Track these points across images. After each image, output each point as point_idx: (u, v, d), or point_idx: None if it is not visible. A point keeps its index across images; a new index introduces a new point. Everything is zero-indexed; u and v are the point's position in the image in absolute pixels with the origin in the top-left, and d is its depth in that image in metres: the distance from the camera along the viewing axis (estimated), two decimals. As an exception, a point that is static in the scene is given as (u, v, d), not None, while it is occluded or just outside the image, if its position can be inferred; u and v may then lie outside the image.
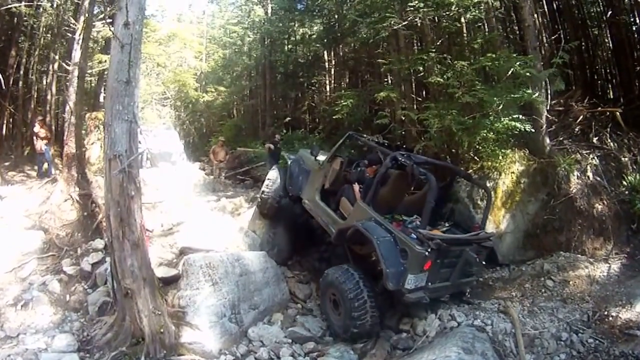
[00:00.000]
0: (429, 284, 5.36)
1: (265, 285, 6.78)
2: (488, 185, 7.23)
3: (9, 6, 8.43)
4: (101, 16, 9.01)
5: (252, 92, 18.69)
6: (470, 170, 7.62)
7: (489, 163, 7.39)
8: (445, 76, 7.01)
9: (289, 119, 16.06)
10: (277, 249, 8.24)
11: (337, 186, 6.94)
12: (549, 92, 7.11)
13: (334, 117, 9.32)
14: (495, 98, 6.74)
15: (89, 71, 8.20)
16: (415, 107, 7.83)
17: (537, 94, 6.67)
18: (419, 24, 7.95)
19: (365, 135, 7.61)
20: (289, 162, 8.42)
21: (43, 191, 7.92)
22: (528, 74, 6.55)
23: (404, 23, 7.21)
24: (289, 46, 16.33)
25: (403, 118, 7.69)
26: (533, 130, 6.94)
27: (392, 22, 7.21)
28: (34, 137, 9.44)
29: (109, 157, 5.08)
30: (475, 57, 7.35)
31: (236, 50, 18.45)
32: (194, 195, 10.98)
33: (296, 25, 15.34)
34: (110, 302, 5.77)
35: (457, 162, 7.81)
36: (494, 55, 6.76)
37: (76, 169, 7.81)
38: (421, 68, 7.42)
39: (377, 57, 7.84)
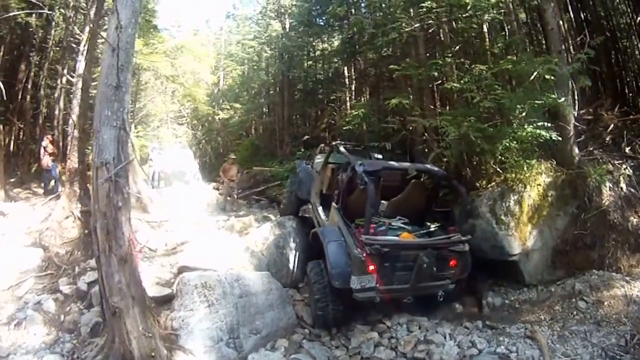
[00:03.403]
0: (379, 285, 5.86)
1: (268, 308, 6.52)
2: (512, 198, 6.96)
3: (14, 14, 8.77)
4: (106, 26, 9.31)
5: (270, 110, 18.94)
6: (493, 183, 7.33)
7: (513, 175, 7.05)
8: (462, 81, 6.79)
9: (307, 137, 16.09)
10: (286, 270, 8.08)
11: (332, 191, 7.53)
12: (576, 97, 6.78)
13: (344, 128, 9.26)
14: (518, 105, 6.49)
15: (94, 83, 8.40)
16: (429, 114, 7.60)
17: (563, 99, 6.33)
18: (434, 28, 7.82)
19: (349, 144, 8.20)
20: (299, 169, 9.49)
21: (46, 208, 8.14)
22: (552, 76, 6.23)
23: (415, 25, 7.09)
24: (309, 62, 16.47)
25: (411, 127, 7.47)
26: (560, 138, 6.61)
27: (404, 25, 7.10)
28: (42, 153, 9.77)
29: (96, 165, 5.01)
30: (496, 61, 7.11)
31: (254, 66, 18.79)
32: (204, 215, 11.06)
33: (315, 40, 15.50)
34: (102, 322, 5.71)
35: (479, 175, 7.54)
36: (514, 58, 6.52)
37: (79, 185, 7.95)
38: (436, 74, 7.23)
39: (396, 69, 7.67)
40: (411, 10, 7.49)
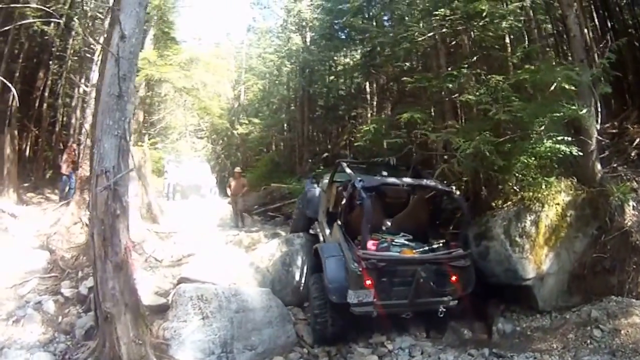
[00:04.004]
0: (377, 300, 6.01)
1: (267, 325, 6.61)
2: (529, 218, 6.81)
3: (27, 22, 9.39)
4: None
5: (291, 126, 19.24)
6: (510, 202, 7.21)
7: (530, 193, 6.91)
8: (477, 93, 6.77)
9: (327, 154, 16.24)
10: (291, 288, 8.14)
11: (337, 209, 7.73)
12: (599, 109, 6.59)
13: (355, 144, 9.37)
14: (537, 118, 6.39)
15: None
16: (440, 128, 7.58)
17: (584, 110, 6.19)
18: (453, 38, 7.85)
19: (354, 161, 8.66)
20: (307, 188, 9.74)
21: (57, 213, 8.61)
22: (573, 86, 6.12)
23: (429, 34, 7.15)
24: (330, 77, 16.67)
25: (418, 141, 7.47)
26: (581, 153, 6.44)
27: (417, 34, 7.18)
28: (63, 160, 10.35)
29: (96, 173, 5.24)
30: (515, 72, 7.04)
31: (274, 81, 19.21)
32: (214, 228, 11.34)
33: (337, 54, 15.71)
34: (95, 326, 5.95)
35: (496, 194, 7.43)
36: (532, 67, 6.45)
37: (89, 193, 8.30)
38: (450, 85, 7.23)
39: (409, 81, 7.74)
40: (426, 20, 7.53)
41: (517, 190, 7.02)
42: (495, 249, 6.95)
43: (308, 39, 16.82)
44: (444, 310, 6.39)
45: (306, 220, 9.55)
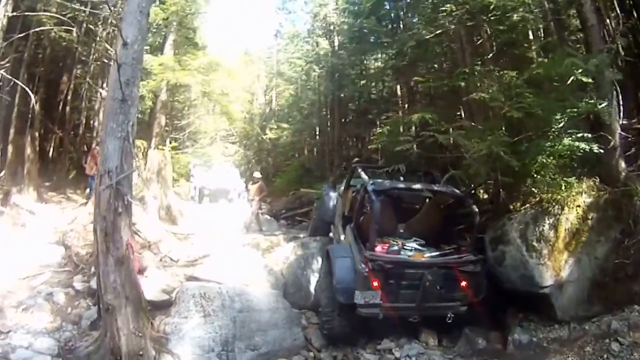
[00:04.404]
0: (384, 302, 6.12)
1: (272, 327, 6.72)
2: (547, 222, 6.57)
3: (42, 28, 10.09)
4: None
5: (321, 131, 19.37)
6: (527, 205, 6.99)
7: (549, 195, 6.67)
8: (490, 91, 6.64)
9: (357, 159, 16.25)
10: (305, 291, 8.18)
11: (352, 213, 7.73)
12: (620, 103, 6.27)
13: (369, 147, 9.39)
14: (553, 115, 6.19)
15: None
16: (454, 128, 7.45)
17: (604, 104, 5.94)
18: (469, 36, 7.76)
19: (372, 165, 9.02)
20: (324, 193, 10.03)
21: (76, 212, 9.12)
22: (591, 79, 5.89)
23: (437, 32, 7.10)
24: (362, 81, 16.66)
25: (426, 143, 7.36)
26: (602, 151, 6.17)
27: (424, 31, 7.14)
28: (88, 161, 10.98)
29: (100, 172, 5.64)
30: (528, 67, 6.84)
31: (304, 85, 19.44)
32: (235, 231, 11.59)
33: (368, 58, 15.71)
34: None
35: (514, 196, 7.24)
36: (546, 60, 6.26)
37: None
38: (462, 84, 7.12)
39: (420, 80, 7.69)
40: (436, 17, 7.47)
41: (536, 192, 6.77)
42: (511, 253, 6.75)
43: (336, 43, 17.00)
44: (452, 316, 6.38)
45: (324, 225, 9.75)
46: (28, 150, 9.44)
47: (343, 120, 17.51)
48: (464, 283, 6.31)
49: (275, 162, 21.32)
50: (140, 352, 5.33)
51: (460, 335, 6.91)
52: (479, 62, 6.98)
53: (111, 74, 5.78)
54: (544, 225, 6.56)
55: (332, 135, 18.25)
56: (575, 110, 6.12)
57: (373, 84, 16.73)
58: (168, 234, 9.54)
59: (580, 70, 6.02)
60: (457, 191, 7.04)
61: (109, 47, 9.62)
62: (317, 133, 20.02)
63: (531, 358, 5.99)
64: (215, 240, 10.17)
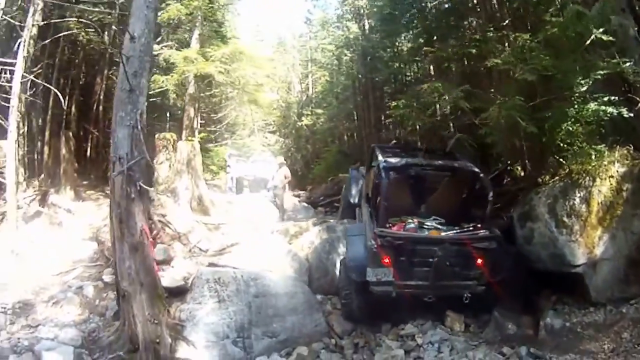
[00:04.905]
0: (396, 279, 6.14)
1: (291, 312, 6.79)
2: (578, 195, 6.16)
3: (67, 33, 10.76)
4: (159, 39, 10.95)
5: (358, 115, 19.26)
6: (557, 178, 6.59)
7: (579, 166, 6.24)
8: (502, 56, 6.30)
9: (394, 141, 15.99)
10: (331, 276, 8.20)
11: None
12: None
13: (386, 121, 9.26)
14: (574, 77, 5.78)
15: (151, 92, 9.92)
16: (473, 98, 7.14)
17: (629, 64, 5.46)
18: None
19: (391, 145, 8.96)
20: (350, 175, 10.30)
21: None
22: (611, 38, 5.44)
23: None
24: (396, 63, 16.39)
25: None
26: (632, 115, 5.71)
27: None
28: None
29: (112, 160, 5.94)
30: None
31: (338, 71, 19.37)
32: (267, 219, 11.87)
33: (398, 39, 15.33)
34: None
35: (541, 168, 6.86)
36: (561, 19, 5.82)
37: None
38: (474, 51, 6.80)
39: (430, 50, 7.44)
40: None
41: (564, 163, 6.36)
42: (539, 230, 6.47)
43: (367, 27, 16.81)
44: (469, 296, 6.27)
45: (351, 208, 9.82)
46: (63, 151, 10.23)
47: (379, 103, 17.24)
48: (479, 261, 6.18)
49: (314, 149, 21.50)
50: (157, 340, 5.61)
51: (490, 320, 6.66)
52: (491, 29, 6.60)
53: (121, 66, 6.07)
54: (574, 199, 6.18)
55: (368, 118, 18.18)
56: (599, 72, 5.68)
57: (407, 65, 16.32)
58: (199, 225, 9.88)
59: (601, 30, 5.58)
60: (471, 166, 6.83)
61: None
62: (355, 117, 19.99)
63: (564, 345, 5.65)
64: (246, 229, 10.37)
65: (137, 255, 5.81)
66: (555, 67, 5.72)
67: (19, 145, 9.76)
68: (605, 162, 6.06)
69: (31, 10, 9.79)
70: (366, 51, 16.36)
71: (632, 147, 6.06)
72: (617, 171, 6.02)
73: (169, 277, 7.01)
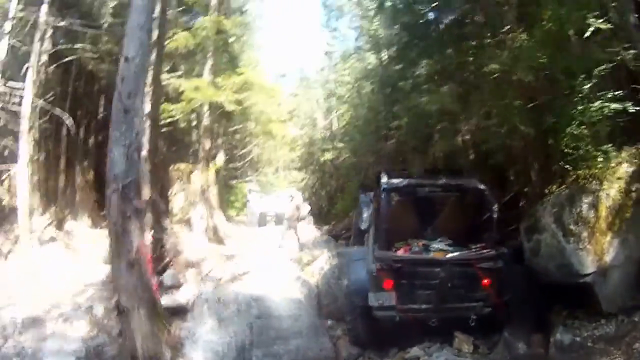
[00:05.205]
0: (398, 304, 6.00)
1: (294, 335, 6.80)
2: (585, 201, 5.88)
3: (69, 58, 11.09)
4: (167, 68, 11.47)
5: (380, 148, 19.30)
6: (564, 185, 6.35)
7: (585, 170, 5.98)
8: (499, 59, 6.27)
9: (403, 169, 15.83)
10: (340, 301, 7.96)
11: None
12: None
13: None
14: (578, 75, 5.65)
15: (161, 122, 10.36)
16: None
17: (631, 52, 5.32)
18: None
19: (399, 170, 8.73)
20: (360, 201, 9.76)
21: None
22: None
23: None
24: (413, 93, 16.24)
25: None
26: (638, 109, 5.46)
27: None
28: None
29: (108, 179, 6.10)
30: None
31: (358, 104, 19.57)
32: (280, 249, 12.06)
33: (418, 68, 15.44)
34: (122, 323, 6.79)
35: (547, 178, 6.63)
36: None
37: (151, 215, 9.66)
38: (471, 59, 6.80)
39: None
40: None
41: (570, 169, 6.14)
42: (546, 241, 6.14)
43: (385, 57, 17.03)
44: (475, 317, 6.12)
45: (362, 234, 9.60)
46: (78, 180, 10.76)
47: (400, 134, 17.19)
48: (485, 281, 6.05)
49: (338, 184, 21.25)
50: (157, 356, 5.69)
51: (499, 340, 6.33)
52: (489, 35, 6.61)
53: (116, 87, 6.28)
54: (581, 206, 5.86)
55: (389, 150, 18.09)
56: (601, 68, 5.56)
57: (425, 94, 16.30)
58: (213, 253, 10.18)
59: (601, 21, 5.52)
60: (476, 183, 6.69)
61: None
62: (376, 150, 19.89)
63: (573, 360, 5.26)
64: (259, 258, 10.64)
65: (133, 272, 5.93)
66: (553, 63, 5.62)
67: (32, 171, 10.20)
68: (613, 164, 5.78)
69: (37, 35, 10.24)
70: (385, 82, 16.48)
71: (641, 145, 5.77)
72: (626, 172, 5.73)
73: (171, 298, 7.21)
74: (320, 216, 19.02)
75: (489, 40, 6.63)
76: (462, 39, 7.61)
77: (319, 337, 6.94)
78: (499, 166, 8.48)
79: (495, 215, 6.30)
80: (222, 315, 6.67)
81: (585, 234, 5.76)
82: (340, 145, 20.26)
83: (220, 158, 14.77)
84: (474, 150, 10.23)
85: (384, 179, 7.17)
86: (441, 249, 6.71)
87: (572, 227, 5.87)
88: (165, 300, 7.01)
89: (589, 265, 5.64)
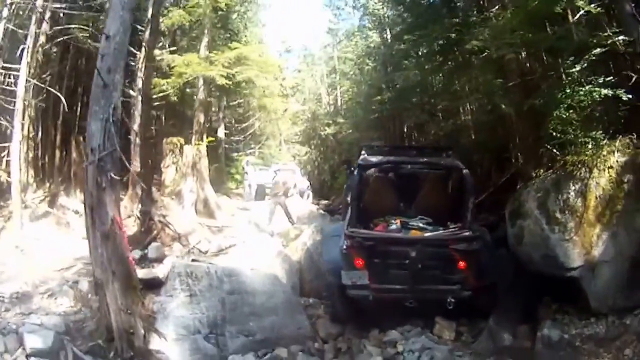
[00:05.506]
0: (371, 283, 5.92)
1: (269, 312, 6.60)
2: (573, 188, 5.57)
3: (66, 37, 11.32)
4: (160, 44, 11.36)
5: (383, 125, 19.02)
6: (550, 170, 6.04)
7: (573, 157, 5.66)
8: (480, 37, 5.91)
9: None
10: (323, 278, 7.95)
11: None
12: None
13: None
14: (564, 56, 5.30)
15: (155, 96, 10.26)
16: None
17: (620, 37, 4.93)
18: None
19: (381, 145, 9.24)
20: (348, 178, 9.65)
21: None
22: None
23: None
24: (418, 71, 15.81)
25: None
26: (630, 96, 5.14)
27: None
28: None
29: (86, 151, 6.17)
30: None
31: (361, 81, 19.23)
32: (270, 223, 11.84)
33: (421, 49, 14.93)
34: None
35: (534, 161, 6.31)
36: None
37: (141, 188, 9.63)
38: (453, 35, 6.43)
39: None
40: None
41: (558, 154, 5.81)
42: (529, 228, 5.89)
43: (388, 36, 16.70)
44: (453, 300, 5.94)
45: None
46: (74, 155, 10.64)
47: (404, 112, 16.91)
48: (461, 263, 5.86)
49: (340, 159, 21.21)
50: (131, 330, 5.65)
51: (483, 329, 6.18)
52: (474, 11, 6.24)
53: (97, 63, 6.31)
54: (568, 193, 5.57)
55: (392, 127, 18.08)
56: (594, 52, 5.20)
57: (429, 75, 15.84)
58: (201, 227, 10.12)
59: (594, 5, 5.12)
60: (454, 162, 6.58)
61: (134, 50, 10.56)
62: (382, 127, 19.60)
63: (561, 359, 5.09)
64: (249, 232, 10.58)
65: (108, 244, 5.88)
66: (537, 42, 5.25)
67: (28, 148, 10.45)
68: (605, 152, 5.43)
69: (34, 17, 10.35)
70: (387, 60, 16.21)
71: (636, 135, 5.39)
72: (617, 161, 5.38)
73: (149, 271, 7.15)
74: (321, 191, 18.95)
75: (474, 18, 6.25)
76: (451, 17, 7.24)
77: (296, 315, 6.74)
78: (500, 146, 8.25)
79: (472, 196, 6.19)
80: (193, 290, 6.42)
81: (571, 224, 5.48)
82: (341, 120, 19.98)
83: (221, 131, 14.65)
84: (473, 129, 9.90)
85: (362, 156, 7.14)
86: (420, 227, 6.64)
87: (557, 215, 5.60)
88: (143, 273, 6.91)
89: (576, 258, 5.37)
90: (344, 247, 6.01)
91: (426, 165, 7.22)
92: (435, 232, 6.30)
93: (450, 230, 6.21)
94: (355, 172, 6.60)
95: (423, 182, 7.37)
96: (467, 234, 5.96)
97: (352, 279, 5.99)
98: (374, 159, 6.89)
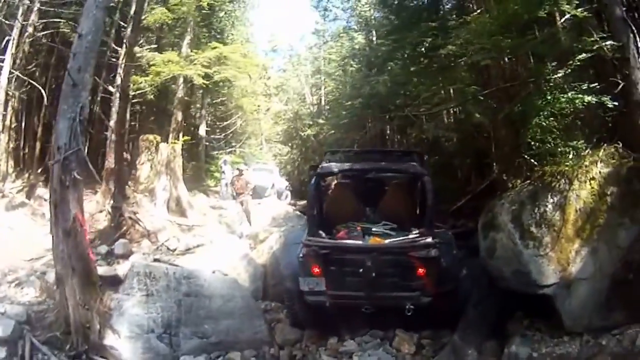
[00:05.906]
0: (328, 290, 5.91)
1: (226, 316, 6.54)
2: (550, 200, 5.26)
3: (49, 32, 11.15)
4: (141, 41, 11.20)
5: (369, 126, 18.86)
6: (528, 181, 5.79)
7: (552, 167, 5.39)
8: (458, 42, 5.69)
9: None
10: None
11: None
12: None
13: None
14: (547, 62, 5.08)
15: (132, 93, 10.07)
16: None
17: (608, 42, 4.71)
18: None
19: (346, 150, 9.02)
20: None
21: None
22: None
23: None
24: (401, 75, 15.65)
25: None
26: (615, 104, 4.90)
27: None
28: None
29: (52, 149, 6.19)
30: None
31: (344, 82, 19.14)
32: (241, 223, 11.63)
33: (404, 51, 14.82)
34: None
35: (513, 170, 6.08)
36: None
37: (114, 184, 9.41)
38: (430, 39, 6.24)
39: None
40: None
41: (535, 164, 5.56)
42: (502, 242, 5.48)
43: (374, 38, 16.71)
44: (411, 307, 5.78)
45: None
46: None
47: (389, 115, 16.81)
48: (421, 270, 5.74)
49: (321, 159, 20.88)
50: (87, 325, 5.70)
51: (446, 343, 5.90)
52: (453, 16, 6.06)
53: (69, 62, 6.35)
54: (545, 205, 5.19)
55: (373, 129, 17.86)
56: (579, 58, 4.97)
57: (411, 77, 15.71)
58: (171, 225, 9.94)
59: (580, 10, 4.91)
60: (414, 167, 6.47)
61: (115, 46, 10.39)
62: (364, 129, 19.23)
63: (530, 382, 4.61)
64: (217, 232, 10.48)
65: (69, 241, 5.95)
66: (514, 47, 5.02)
67: (9, 139, 10.30)
68: (587, 163, 5.12)
69: (20, 10, 10.29)
70: (371, 62, 16.13)
71: (621, 144, 5.10)
72: (600, 172, 5.06)
73: (110, 268, 7.11)
74: (301, 191, 18.77)
75: (452, 22, 6.06)
76: (431, 20, 7.08)
77: (254, 320, 6.66)
78: (480, 151, 8.08)
79: (432, 202, 6.06)
80: (150, 290, 6.31)
81: (547, 238, 5.09)
82: (321, 121, 19.87)
83: (203, 129, 14.46)
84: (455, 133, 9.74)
85: (323, 162, 7.06)
86: (383, 234, 6.53)
87: (532, 229, 5.20)
88: (104, 270, 6.90)
89: (550, 275, 4.97)
90: (301, 255, 6.03)
91: (388, 171, 7.23)
92: (393, 240, 6.24)
93: (410, 237, 6.10)
94: (313, 180, 6.55)
95: (387, 188, 7.34)
96: (426, 240, 5.83)
97: (309, 285, 5.99)
98: (333, 165, 6.81)
